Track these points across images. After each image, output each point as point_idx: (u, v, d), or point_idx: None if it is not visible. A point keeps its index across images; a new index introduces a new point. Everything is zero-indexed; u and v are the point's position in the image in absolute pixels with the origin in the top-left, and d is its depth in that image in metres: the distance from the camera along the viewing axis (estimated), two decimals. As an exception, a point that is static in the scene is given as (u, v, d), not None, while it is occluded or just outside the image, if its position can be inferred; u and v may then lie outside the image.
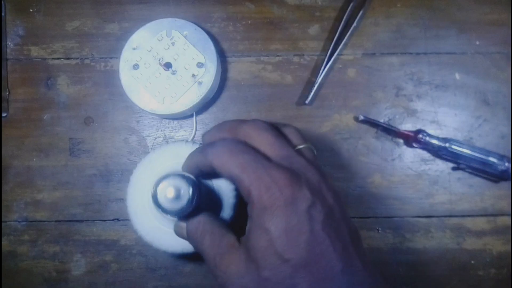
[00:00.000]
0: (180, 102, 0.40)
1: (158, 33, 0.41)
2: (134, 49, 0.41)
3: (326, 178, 0.27)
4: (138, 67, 0.40)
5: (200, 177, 0.31)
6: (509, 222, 0.42)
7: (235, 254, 0.26)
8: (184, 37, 0.41)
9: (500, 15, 0.44)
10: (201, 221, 0.29)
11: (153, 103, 0.40)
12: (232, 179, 0.26)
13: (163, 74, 0.40)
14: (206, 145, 0.29)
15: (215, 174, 0.28)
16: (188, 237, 0.29)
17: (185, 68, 0.40)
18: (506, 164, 0.41)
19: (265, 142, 0.28)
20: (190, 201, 0.27)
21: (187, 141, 0.35)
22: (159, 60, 0.40)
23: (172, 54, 0.41)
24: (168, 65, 0.40)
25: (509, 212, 0.42)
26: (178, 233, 0.30)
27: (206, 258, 0.27)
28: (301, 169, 0.26)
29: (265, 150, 0.27)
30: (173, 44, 0.41)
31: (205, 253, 0.28)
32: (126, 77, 0.40)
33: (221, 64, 0.43)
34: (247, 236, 0.26)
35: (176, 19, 0.41)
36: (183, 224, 0.30)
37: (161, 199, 0.27)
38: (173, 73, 0.40)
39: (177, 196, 0.27)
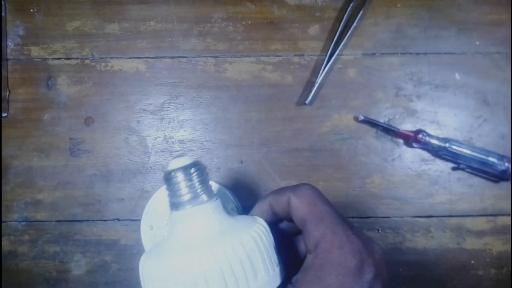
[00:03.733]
0: None
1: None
2: (151, 229, 0.36)
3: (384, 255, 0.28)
4: None
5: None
6: (509, 222, 0.42)
7: None
8: None
9: (500, 15, 0.45)
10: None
11: None
12: (303, 225, 0.27)
13: None
14: (286, 188, 0.29)
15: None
16: None
17: None
18: (506, 164, 0.41)
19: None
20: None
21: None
22: None
23: None
24: None
25: (509, 212, 0.42)
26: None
27: None
28: (369, 241, 0.27)
29: None
30: None
31: None
32: None
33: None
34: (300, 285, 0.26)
35: None
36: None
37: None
38: None
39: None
